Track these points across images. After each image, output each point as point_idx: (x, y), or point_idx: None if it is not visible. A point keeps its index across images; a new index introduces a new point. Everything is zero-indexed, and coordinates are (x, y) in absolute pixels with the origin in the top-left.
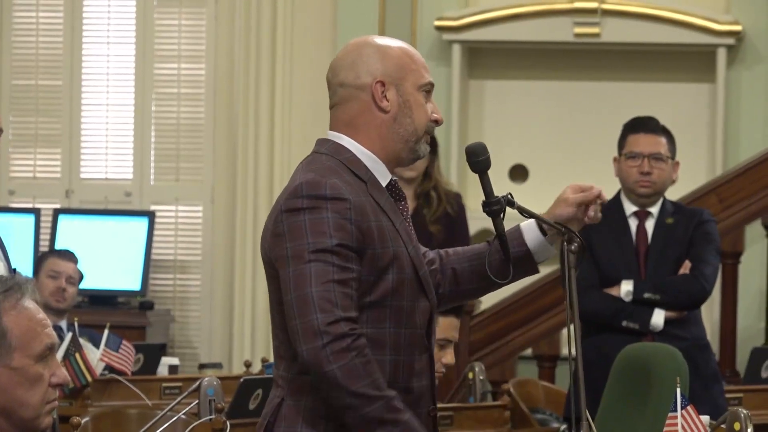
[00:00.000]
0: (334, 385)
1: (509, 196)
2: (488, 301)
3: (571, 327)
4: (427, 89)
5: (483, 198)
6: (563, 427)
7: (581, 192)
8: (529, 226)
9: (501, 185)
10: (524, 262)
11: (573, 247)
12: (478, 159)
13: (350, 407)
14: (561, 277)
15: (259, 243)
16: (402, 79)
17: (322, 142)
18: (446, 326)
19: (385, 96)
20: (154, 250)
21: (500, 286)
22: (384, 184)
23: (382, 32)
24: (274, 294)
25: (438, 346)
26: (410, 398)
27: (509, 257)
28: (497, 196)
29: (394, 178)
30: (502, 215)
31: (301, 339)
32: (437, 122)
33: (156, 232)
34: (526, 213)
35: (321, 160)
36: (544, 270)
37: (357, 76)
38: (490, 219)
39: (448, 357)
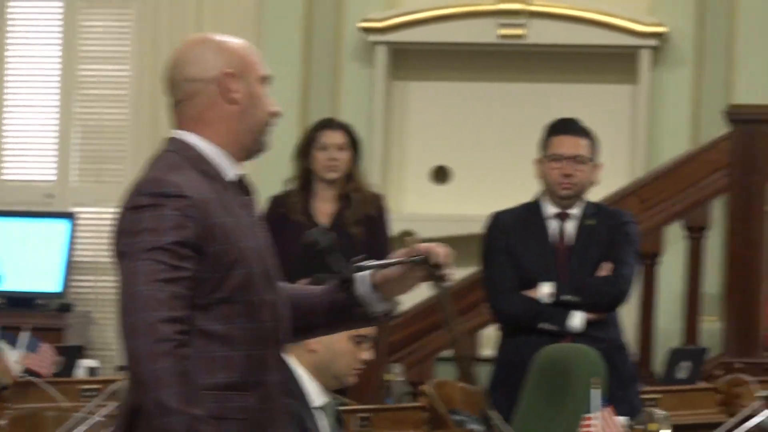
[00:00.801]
0: (144, 387)
1: (357, 265)
2: (407, 302)
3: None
4: (267, 82)
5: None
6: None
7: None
8: (362, 279)
9: (423, 187)
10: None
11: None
12: (321, 247)
13: (150, 413)
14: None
15: None
16: (246, 71)
17: (169, 141)
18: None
19: (233, 88)
20: (75, 252)
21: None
22: (231, 179)
23: (308, 33)
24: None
25: (355, 343)
26: (265, 392)
27: (348, 317)
28: (346, 270)
29: (242, 173)
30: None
31: (127, 336)
32: (276, 115)
33: (77, 234)
34: (378, 266)
35: (166, 158)
36: (462, 273)
37: (204, 70)
38: (412, 221)
39: (365, 354)
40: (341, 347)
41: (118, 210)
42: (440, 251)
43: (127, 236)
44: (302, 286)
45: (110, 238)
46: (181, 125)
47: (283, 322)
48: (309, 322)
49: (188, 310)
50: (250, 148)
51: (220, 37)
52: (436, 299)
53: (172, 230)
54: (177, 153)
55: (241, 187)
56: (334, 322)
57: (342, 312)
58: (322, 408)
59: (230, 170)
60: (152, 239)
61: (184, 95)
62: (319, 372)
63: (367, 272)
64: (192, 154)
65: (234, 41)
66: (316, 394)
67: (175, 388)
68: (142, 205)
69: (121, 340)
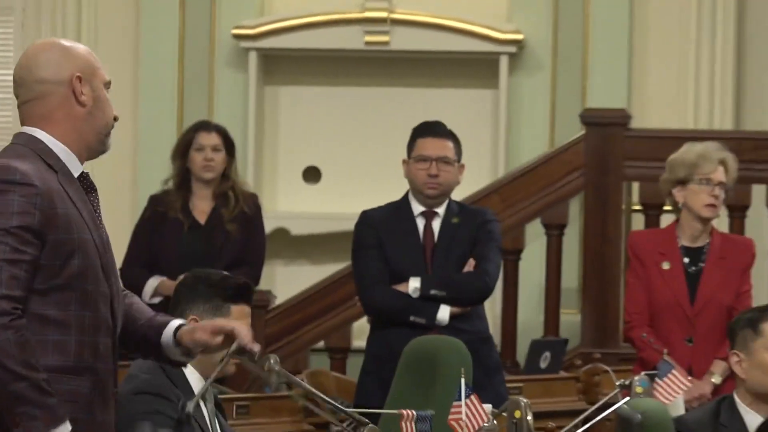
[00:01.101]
0: None
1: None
2: (282, 296)
3: None
4: (108, 87)
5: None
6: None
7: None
8: (168, 331)
9: (295, 186)
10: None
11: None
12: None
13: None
14: None
15: None
16: (93, 76)
17: (18, 135)
18: (239, 314)
19: (82, 91)
20: None
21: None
22: (75, 176)
23: (182, 39)
24: None
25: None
26: (97, 379)
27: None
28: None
29: (86, 171)
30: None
31: None
32: (116, 119)
33: None
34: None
35: (16, 149)
36: (335, 267)
37: (56, 72)
38: (285, 219)
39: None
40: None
41: None
42: (245, 333)
43: None
44: (136, 303)
45: None
46: (29, 123)
47: (117, 314)
48: (127, 338)
49: (25, 293)
50: (94, 147)
51: (67, 42)
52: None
53: (18, 215)
54: (25, 146)
55: (85, 183)
56: (143, 350)
57: (149, 345)
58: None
59: (75, 167)
60: (1, 217)
61: (35, 95)
62: (199, 362)
63: (172, 328)
64: (40, 147)
65: (80, 47)
66: (197, 382)
67: (18, 357)
68: None
69: None
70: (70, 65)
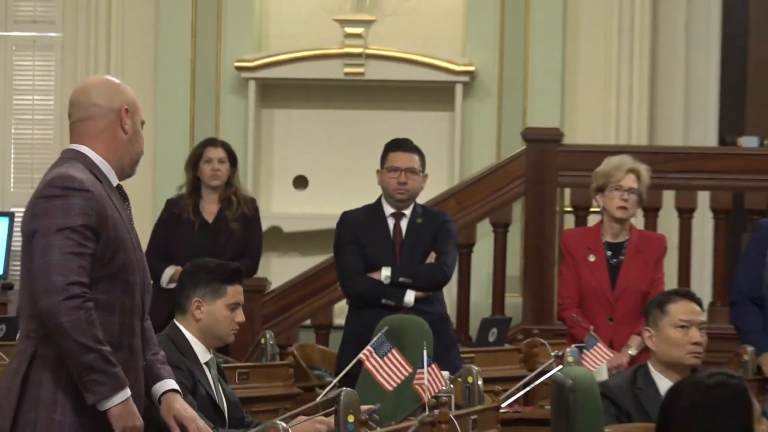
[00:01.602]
0: (63, 334)
1: None
2: (276, 282)
3: None
4: (143, 125)
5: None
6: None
7: None
8: (159, 388)
9: (287, 192)
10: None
11: None
12: None
13: (72, 354)
14: None
15: None
16: (135, 112)
17: (68, 152)
18: (233, 292)
19: (127, 121)
20: (13, 243)
21: None
22: (114, 184)
23: (193, 71)
24: (26, 262)
25: (230, 310)
26: (132, 354)
27: None
28: None
29: (120, 183)
30: None
31: (42, 296)
32: (142, 153)
33: (16, 229)
34: None
35: (67, 162)
36: (320, 258)
37: (109, 100)
38: (279, 218)
39: (240, 316)
40: (220, 314)
41: (31, 199)
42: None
43: (40, 218)
44: (148, 330)
45: (23, 222)
46: (77, 139)
47: (146, 301)
48: None
49: (89, 280)
50: (126, 170)
51: (118, 81)
52: None
53: (80, 216)
54: (75, 159)
55: (120, 194)
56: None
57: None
58: (207, 363)
59: (114, 180)
60: (64, 221)
61: (88, 116)
62: (203, 335)
63: (162, 389)
64: (87, 161)
65: (128, 87)
66: (202, 353)
67: (90, 333)
68: (55, 195)
69: (37, 300)
70: (120, 98)
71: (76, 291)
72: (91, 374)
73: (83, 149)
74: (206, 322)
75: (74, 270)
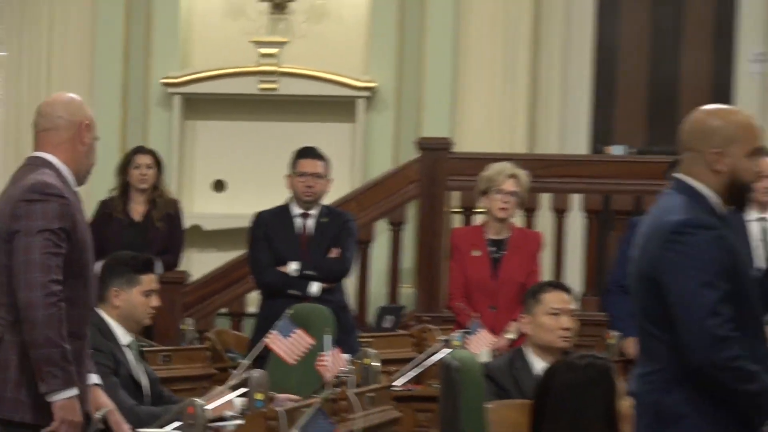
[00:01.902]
0: (36, 325)
1: None
2: (196, 274)
3: None
4: (97, 141)
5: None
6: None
7: None
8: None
9: (206, 194)
10: None
11: None
12: None
13: (38, 345)
14: None
15: None
16: (93, 128)
17: (35, 159)
18: (148, 281)
19: (86, 135)
20: None
21: None
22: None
23: (125, 86)
24: (4, 259)
25: (145, 296)
26: (85, 342)
27: None
28: None
29: (77, 189)
30: None
31: (22, 288)
32: (93, 165)
33: None
34: None
35: (40, 170)
36: (235, 253)
37: (73, 114)
38: (199, 218)
39: (154, 302)
40: (136, 300)
41: (9, 202)
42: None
43: (22, 220)
44: None
45: (2, 222)
46: (41, 147)
47: (94, 295)
48: None
49: (62, 277)
50: (80, 179)
51: (80, 99)
52: None
53: (57, 219)
54: (45, 167)
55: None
56: None
57: None
58: (128, 346)
59: (74, 185)
60: (44, 223)
61: (53, 126)
62: (123, 320)
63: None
64: (58, 169)
65: (87, 106)
66: (122, 336)
67: (58, 330)
68: (35, 200)
69: (17, 292)
70: (83, 114)
71: (55, 288)
72: (49, 366)
73: (48, 157)
74: (124, 308)
75: (52, 268)
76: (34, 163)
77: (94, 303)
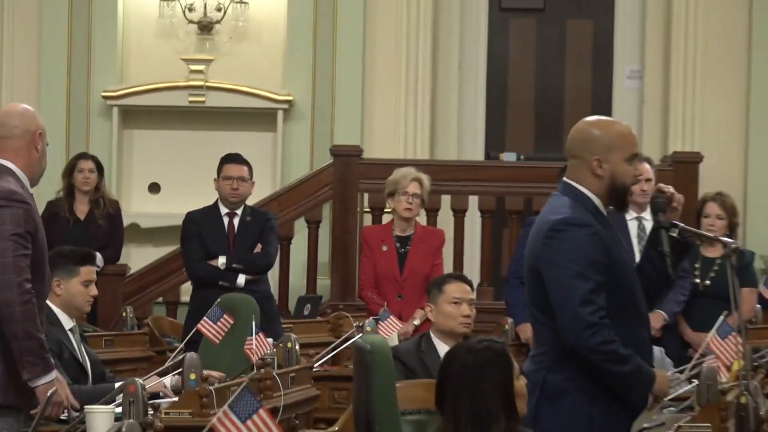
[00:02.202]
0: (15, 321)
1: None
2: (135, 267)
3: None
4: (47, 145)
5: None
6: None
7: None
8: None
9: (143, 195)
10: None
11: None
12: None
13: (18, 338)
14: None
15: None
16: (44, 135)
17: None
18: (86, 272)
19: (39, 142)
20: None
21: None
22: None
23: (69, 98)
24: None
25: (84, 286)
26: (41, 323)
27: None
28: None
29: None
30: None
31: (1, 289)
32: (45, 168)
33: None
34: None
35: (6, 177)
36: (169, 248)
37: (27, 123)
38: (137, 216)
39: (93, 291)
40: (76, 290)
41: None
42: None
43: None
44: None
45: None
46: (2, 154)
47: (48, 290)
48: None
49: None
50: (33, 182)
51: (34, 109)
52: None
53: (24, 224)
54: (7, 174)
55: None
56: None
57: None
58: (71, 330)
59: (28, 187)
60: (14, 228)
61: (10, 134)
62: (65, 307)
63: None
64: (14, 174)
65: (40, 116)
66: (66, 321)
67: (34, 323)
68: (2, 206)
69: None
70: (36, 123)
71: (28, 287)
72: (29, 356)
73: (6, 164)
74: (65, 297)
75: (24, 269)
76: None
77: (46, 296)
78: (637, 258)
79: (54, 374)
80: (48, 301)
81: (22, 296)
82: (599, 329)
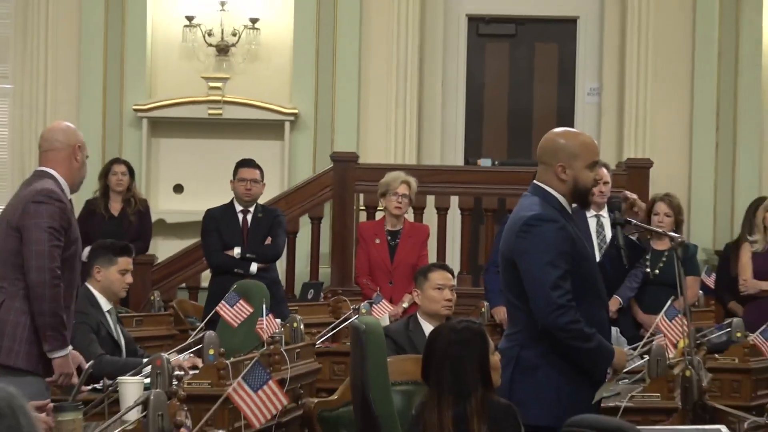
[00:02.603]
0: (43, 300)
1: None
2: (162, 257)
3: None
4: (87, 158)
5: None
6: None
7: None
8: None
9: (169, 195)
10: None
11: None
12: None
13: (44, 314)
14: None
15: None
16: (84, 149)
17: (40, 172)
18: (123, 262)
19: (78, 154)
20: None
21: None
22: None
23: (104, 111)
24: (8, 243)
25: (121, 274)
26: (70, 313)
27: None
28: None
29: (71, 198)
30: None
31: (34, 271)
32: (85, 177)
33: None
34: None
35: (44, 180)
36: (191, 241)
37: (68, 138)
38: (164, 213)
39: (128, 279)
40: (113, 277)
41: (20, 202)
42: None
43: (33, 217)
44: None
45: (13, 217)
46: (44, 163)
47: (79, 281)
48: None
49: (59, 263)
50: (74, 188)
51: (74, 126)
52: None
53: (58, 219)
54: (48, 178)
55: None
56: None
57: None
58: (108, 311)
59: (68, 193)
60: (49, 221)
61: (53, 147)
62: (104, 291)
63: None
64: (57, 181)
65: (79, 131)
66: (104, 304)
67: (58, 303)
68: (42, 201)
69: (29, 274)
70: (76, 137)
71: (58, 272)
72: (51, 331)
73: (50, 171)
74: (104, 282)
75: (56, 258)
76: (39, 175)
77: (79, 284)
78: (596, 249)
79: (69, 349)
80: (89, 285)
81: (53, 280)
82: (567, 310)
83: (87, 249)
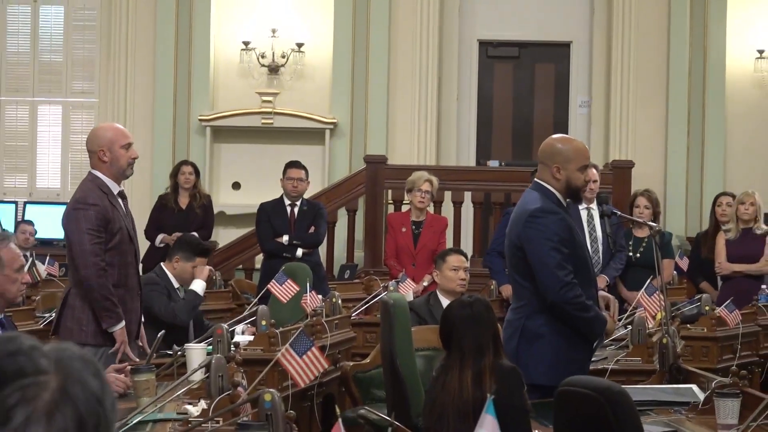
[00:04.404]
0: (92, 289)
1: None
2: (222, 243)
3: None
4: (128, 147)
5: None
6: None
7: None
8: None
9: (228, 191)
10: None
11: None
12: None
13: (96, 300)
14: None
15: None
16: (112, 146)
17: (88, 174)
18: (201, 261)
19: (104, 156)
20: None
21: None
22: (115, 192)
23: (174, 122)
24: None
25: (192, 268)
26: (127, 290)
27: None
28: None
29: (122, 189)
30: None
31: (81, 267)
32: (136, 157)
33: None
34: None
35: (87, 184)
36: (247, 229)
37: (91, 145)
38: (224, 207)
39: (205, 273)
40: (188, 270)
41: (67, 208)
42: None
43: (73, 222)
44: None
45: (63, 220)
46: (91, 165)
47: (138, 258)
48: None
49: (103, 255)
50: (118, 178)
51: (104, 127)
52: None
53: (94, 220)
54: (91, 181)
55: (120, 195)
56: None
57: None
58: (178, 289)
59: (114, 188)
60: (87, 225)
61: (90, 153)
62: (177, 276)
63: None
64: (98, 181)
65: (108, 130)
66: (175, 283)
67: (107, 290)
68: (77, 209)
69: (78, 266)
70: (97, 143)
71: (101, 264)
72: (104, 312)
73: (95, 172)
74: (178, 271)
75: (98, 253)
76: (86, 177)
77: (134, 266)
78: (587, 237)
79: (123, 323)
80: (165, 268)
81: (98, 272)
82: (572, 287)
83: (160, 236)
